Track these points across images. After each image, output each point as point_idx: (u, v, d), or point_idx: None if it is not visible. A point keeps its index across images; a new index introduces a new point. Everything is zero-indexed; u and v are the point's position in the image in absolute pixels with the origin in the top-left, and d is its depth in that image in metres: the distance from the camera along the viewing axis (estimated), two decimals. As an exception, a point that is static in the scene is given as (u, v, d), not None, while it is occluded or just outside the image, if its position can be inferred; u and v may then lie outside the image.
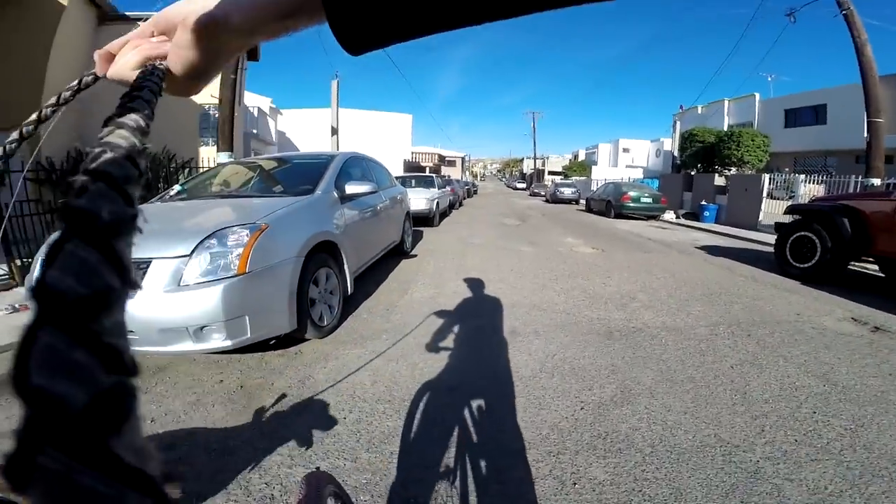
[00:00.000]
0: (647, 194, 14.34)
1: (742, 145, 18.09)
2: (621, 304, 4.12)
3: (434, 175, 13.59)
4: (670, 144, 23.82)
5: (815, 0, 9.64)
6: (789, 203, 8.93)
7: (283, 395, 2.28)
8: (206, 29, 0.31)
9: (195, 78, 0.34)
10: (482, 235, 8.93)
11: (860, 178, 9.44)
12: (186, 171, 8.36)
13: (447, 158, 54.74)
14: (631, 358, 2.87)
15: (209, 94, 9.90)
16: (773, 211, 11.32)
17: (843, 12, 8.76)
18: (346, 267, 3.44)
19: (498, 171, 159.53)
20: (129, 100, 0.24)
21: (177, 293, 2.20)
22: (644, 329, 3.43)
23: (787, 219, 6.01)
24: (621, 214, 14.29)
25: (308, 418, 2.11)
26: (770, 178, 12.14)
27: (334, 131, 14.38)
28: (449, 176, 25.43)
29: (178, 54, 0.33)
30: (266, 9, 0.30)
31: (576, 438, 1.97)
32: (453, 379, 2.51)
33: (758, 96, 25.73)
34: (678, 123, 21.29)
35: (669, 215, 14.88)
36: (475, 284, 4.69)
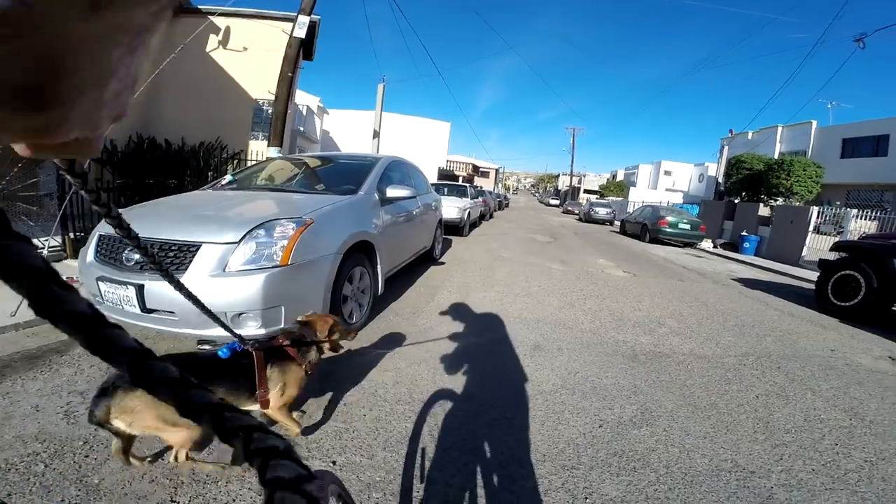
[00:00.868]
0: (685, 220, 13.94)
1: (792, 174, 17.30)
2: (649, 328, 4.07)
3: (467, 185, 13.70)
4: (715, 170, 23.04)
5: (887, 26, 9.17)
6: (837, 239, 8.51)
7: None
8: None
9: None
10: (511, 249, 8.94)
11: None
12: (236, 162, 8.79)
13: (481, 169, 54.86)
14: (654, 381, 2.85)
15: (266, 90, 10.38)
16: (818, 246, 10.79)
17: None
18: (379, 267, 3.56)
19: (532, 185, 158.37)
20: None
21: (221, 278, 2.30)
22: (671, 355, 3.38)
23: (833, 256, 5.76)
24: (657, 239, 13.94)
25: (327, 413, 2.17)
26: (819, 212, 11.58)
27: (376, 134, 14.75)
28: (481, 187, 25.47)
29: None
30: None
31: (591, 455, 1.98)
32: (473, 387, 2.56)
33: (815, 123, 24.49)
34: (726, 148, 20.57)
35: (707, 244, 14.40)
36: (502, 297, 4.73)
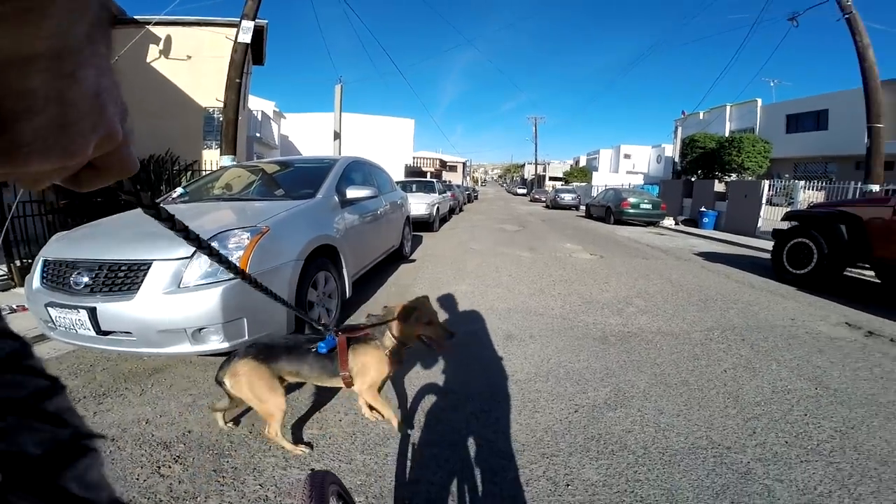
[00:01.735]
0: (646, 200, 14.38)
1: (743, 151, 18.20)
2: (618, 309, 4.15)
3: (435, 180, 13.67)
4: (671, 150, 23.87)
5: (817, 4, 9.60)
6: (788, 209, 8.97)
7: None
8: None
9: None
10: (481, 241, 8.98)
11: (860, 183, 9.48)
12: (189, 173, 8.43)
13: (448, 163, 54.91)
14: (626, 362, 2.90)
15: (214, 98, 10.02)
16: (772, 217, 11.36)
17: (846, 16, 8.81)
18: (345, 271, 3.48)
19: (499, 176, 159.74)
20: None
21: (176, 294, 2.21)
22: (639, 334, 3.45)
23: (785, 225, 6.03)
24: (621, 220, 14.33)
25: (302, 420, 2.13)
26: (770, 185, 12.19)
27: (337, 136, 14.48)
28: (450, 181, 25.53)
29: None
30: None
31: (569, 440, 2.00)
32: (449, 382, 2.54)
33: (760, 102, 25.79)
34: (680, 129, 21.38)
35: (669, 221, 14.91)
36: (473, 289, 4.72)
